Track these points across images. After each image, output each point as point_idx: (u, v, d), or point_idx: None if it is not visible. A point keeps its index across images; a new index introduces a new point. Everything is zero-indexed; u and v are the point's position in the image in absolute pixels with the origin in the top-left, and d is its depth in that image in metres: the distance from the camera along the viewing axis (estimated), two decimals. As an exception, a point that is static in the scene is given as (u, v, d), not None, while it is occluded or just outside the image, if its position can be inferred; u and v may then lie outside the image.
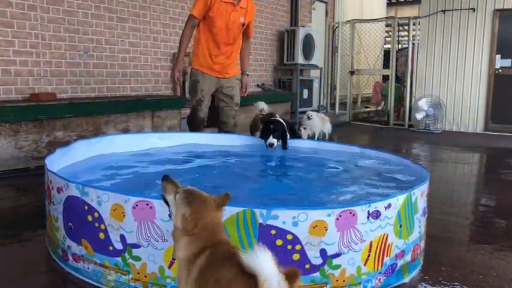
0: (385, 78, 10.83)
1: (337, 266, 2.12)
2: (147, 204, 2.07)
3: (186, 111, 7.00)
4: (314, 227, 2.04)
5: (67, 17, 5.42)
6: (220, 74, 4.26)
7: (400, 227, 2.30)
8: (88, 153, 3.55)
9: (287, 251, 2.03)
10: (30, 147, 4.64)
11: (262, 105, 5.34)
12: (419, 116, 8.98)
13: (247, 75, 4.45)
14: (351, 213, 2.10)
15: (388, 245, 2.27)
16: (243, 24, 4.18)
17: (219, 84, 4.30)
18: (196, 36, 4.23)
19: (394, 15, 11.63)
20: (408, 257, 2.41)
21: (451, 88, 9.08)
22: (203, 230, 1.55)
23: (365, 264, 2.19)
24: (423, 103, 8.92)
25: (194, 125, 4.38)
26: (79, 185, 2.26)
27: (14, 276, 2.39)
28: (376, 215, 2.17)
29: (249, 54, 4.57)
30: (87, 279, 2.29)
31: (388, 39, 12.34)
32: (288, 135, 3.97)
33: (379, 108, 11.34)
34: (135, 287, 2.15)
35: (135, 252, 2.12)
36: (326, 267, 2.09)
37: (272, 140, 3.80)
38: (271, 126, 3.86)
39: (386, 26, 11.83)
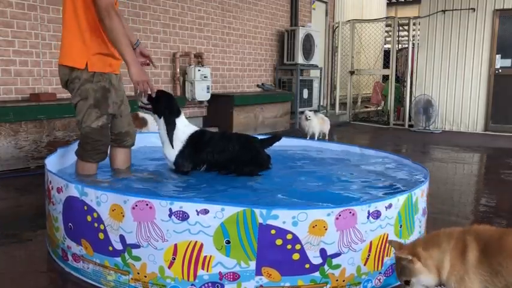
0: (385, 78, 10.83)
1: (337, 266, 2.11)
2: (147, 204, 2.07)
3: (187, 111, 7.04)
4: (314, 227, 2.04)
5: (67, 17, 5.41)
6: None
7: (400, 227, 2.29)
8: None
9: (287, 250, 2.03)
10: (30, 147, 4.64)
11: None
12: (415, 116, 9.01)
13: None
14: (350, 212, 2.10)
15: (389, 245, 2.26)
16: None
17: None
18: (89, 24, 2.64)
19: (394, 15, 11.65)
20: (408, 257, 2.41)
21: (451, 88, 9.08)
22: None
23: (365, 264, 2.19)
24: (417, 103, 8.93)
25: (99, 148, 2.82)
26: (78, 185, 2.26)
27: (14, 276, 2.39)
28: (377, 215, 2.17)
29: None
30: (87, 279, 2.30)
31: (388, 39, 12.34)
32: None
33: (379, 108, 11.35)
34: (135, 287, 2.15)
35: (135, 252, 2.12)
36: (326, 266, 2.09)
37: None
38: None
39: (387, 26, 11.84)
